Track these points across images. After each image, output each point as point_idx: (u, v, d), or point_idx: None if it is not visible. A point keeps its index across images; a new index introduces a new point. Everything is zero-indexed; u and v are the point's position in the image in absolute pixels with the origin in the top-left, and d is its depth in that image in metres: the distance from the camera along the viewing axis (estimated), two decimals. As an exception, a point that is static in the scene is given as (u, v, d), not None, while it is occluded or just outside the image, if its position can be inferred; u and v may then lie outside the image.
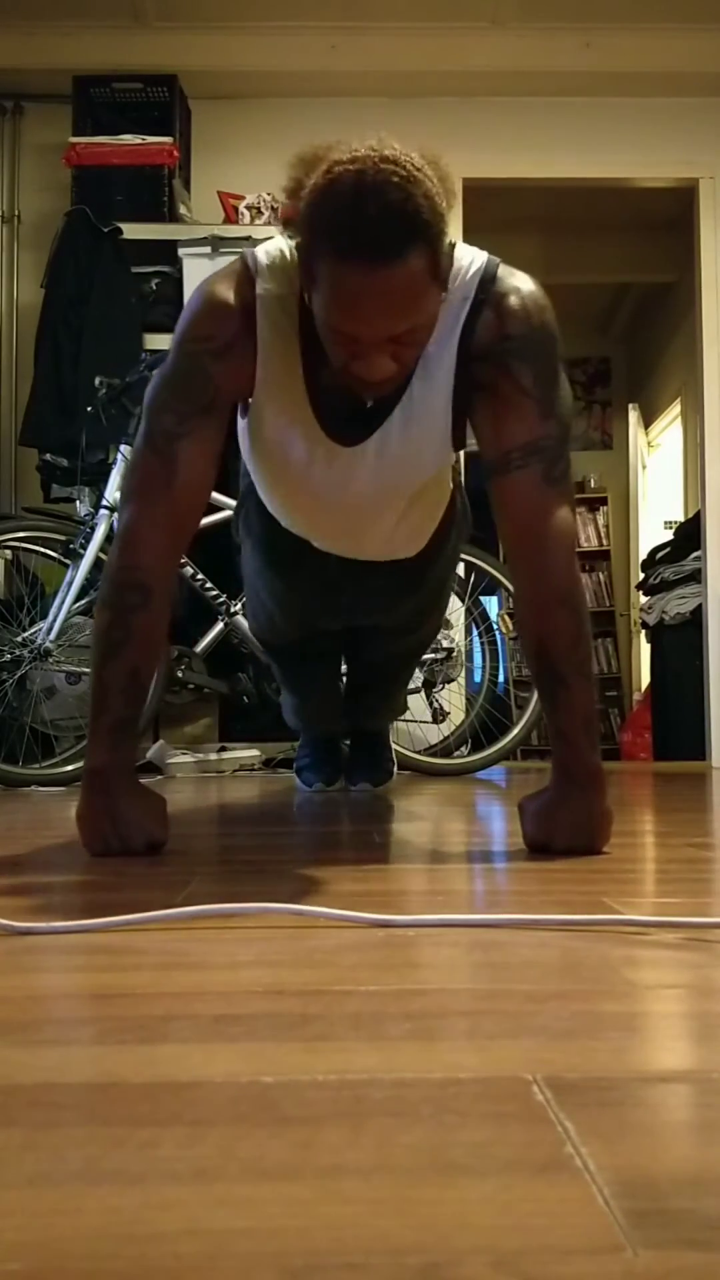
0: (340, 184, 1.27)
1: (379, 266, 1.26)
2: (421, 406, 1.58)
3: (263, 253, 1.54)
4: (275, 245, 1.55)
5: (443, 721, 3.41)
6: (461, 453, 1.82)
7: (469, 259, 1.52)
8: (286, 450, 1.65)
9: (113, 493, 3.16)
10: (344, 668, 2.56)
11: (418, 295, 1.32)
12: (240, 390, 1.57)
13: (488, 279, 1.50)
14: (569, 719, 1.44)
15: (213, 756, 3.53)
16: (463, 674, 3.50)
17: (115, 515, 3.16)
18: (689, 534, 4.95)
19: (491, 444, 1.50)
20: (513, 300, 1.48)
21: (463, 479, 2.28)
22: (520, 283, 1.51)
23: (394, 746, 2.89)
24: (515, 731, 3.34)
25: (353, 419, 1.59)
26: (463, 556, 3.38)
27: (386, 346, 1.35)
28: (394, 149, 1.31)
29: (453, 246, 1.43)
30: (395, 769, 2.82)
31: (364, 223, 1.26)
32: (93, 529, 3.11)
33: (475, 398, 1.53)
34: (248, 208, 4.02)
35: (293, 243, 1.47)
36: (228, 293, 1.51)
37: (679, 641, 4.88)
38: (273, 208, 4.05)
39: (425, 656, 3.30)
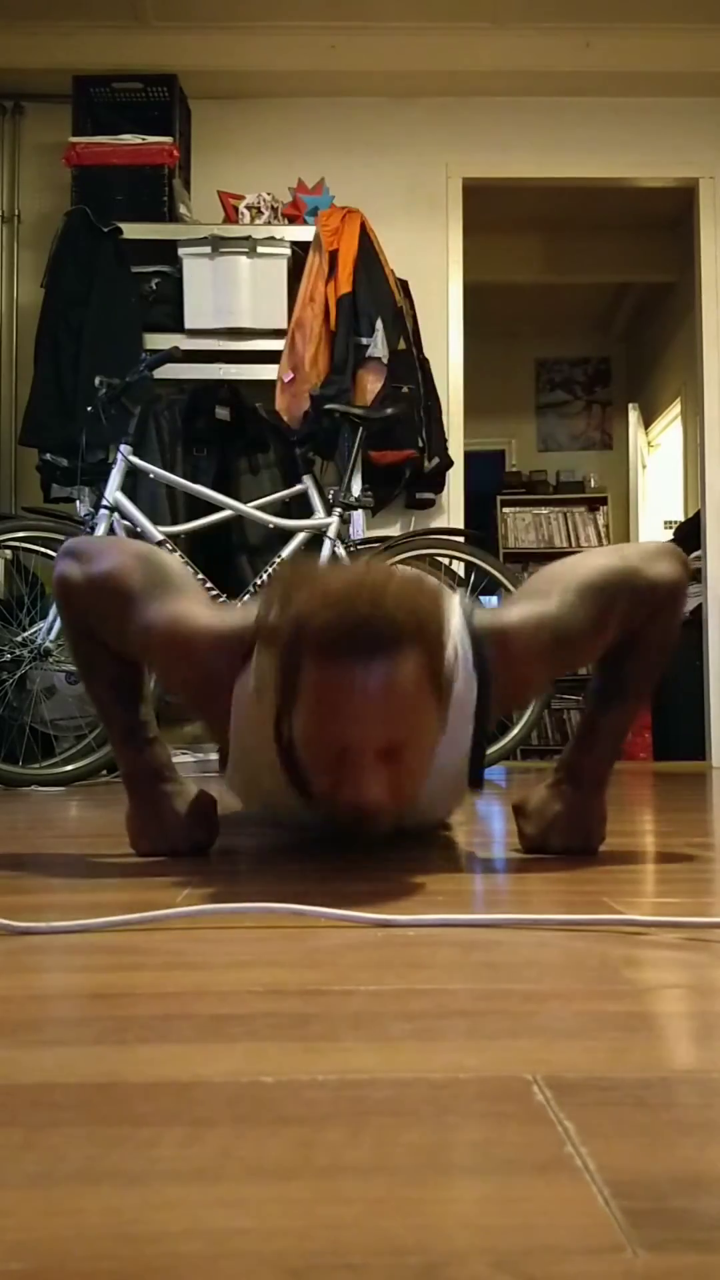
0: (332, 592, 1.20)
1: (373, 660, 1.16)
2: (433, 798, 1.43)
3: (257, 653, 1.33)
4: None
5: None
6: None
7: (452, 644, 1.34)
8: (272, 805, 1.52)
9: (113, 492, 3.16)
10: None
11: (413, 701, 1.19)
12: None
13: (472, 639, 1.37)
14: (607, 725, 1.44)
15: (212, 756, 3.53)
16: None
17: (115, 515, 3.16)
18: (689, 534, 4.95)
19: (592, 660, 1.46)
20: (515, 648, 1.37)
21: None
22: (502, 623, 1.39)
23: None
24: (515, 731, 3.34)
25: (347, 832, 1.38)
26: (462, 556, 3.39)
27: (380, 765, 1.20)
28: (388, 569, 1.26)
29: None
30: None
31: (357, 619, 1.17)
32: (93, 529, 3.11)
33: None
34: (248, 207, 4.03)
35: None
36: (225, 643, 1.35)
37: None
38: (273, 208, 4.05)
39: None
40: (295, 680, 1.21)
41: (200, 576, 3.21)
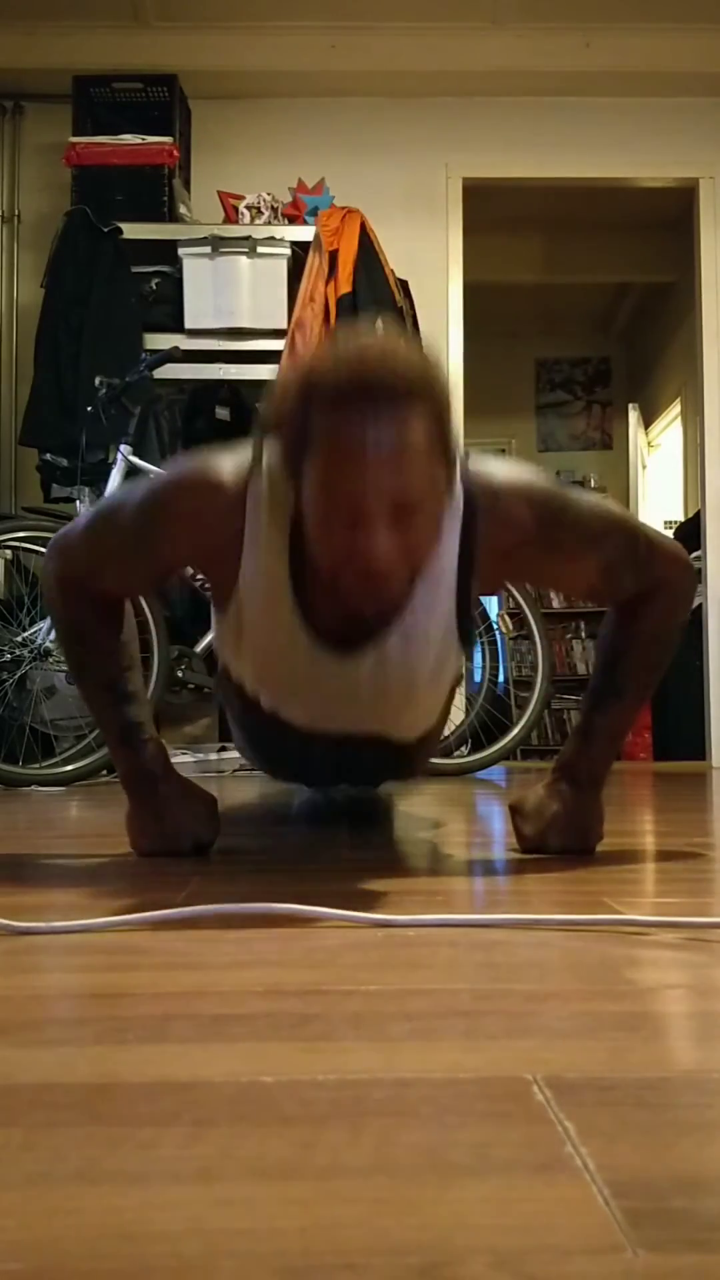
0: (340, 348, 1.21)
1: (383, 411, 1.15)
2: (424, 623, 1.41)
3: (266, 453, 1.36)
4: (266, 461, 1.37)
5: (443, 721, 3.41)
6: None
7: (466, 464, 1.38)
8: (271, 654, 1.48)
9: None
10: None
11: (422, 454, 1.18)
12: (196, 566, 1.47)
13: (468, 483, 1.36)
14: (604, 725, 1.44)
15: (212, 756, 3.53)
16: (462, 675, 3.50)
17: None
18: (689, 534, 4.95)
19: (570, 590, 1.50)
20: (503, 496, 1.36)
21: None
22: (495, 470, 1.39)
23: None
24: (515, 731, 3.34)
25: (347, 628, 1.41)
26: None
27: (389, 525, 1.18)
28: (393, 328, 1.25)
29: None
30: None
31: (366, 373, 1.16)
32: (93, 529, 3.10)
33: (515, 580, 1.49)
34: (248, 208, 4.03)
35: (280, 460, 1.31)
36: (216, 481, 1.35)
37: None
38: (273, 208, 4.05)
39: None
40: (306, 437, 1.19)
41: (200, 577, 3.21)
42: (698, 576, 4.62)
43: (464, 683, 3.57)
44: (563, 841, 1.40)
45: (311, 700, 1.51)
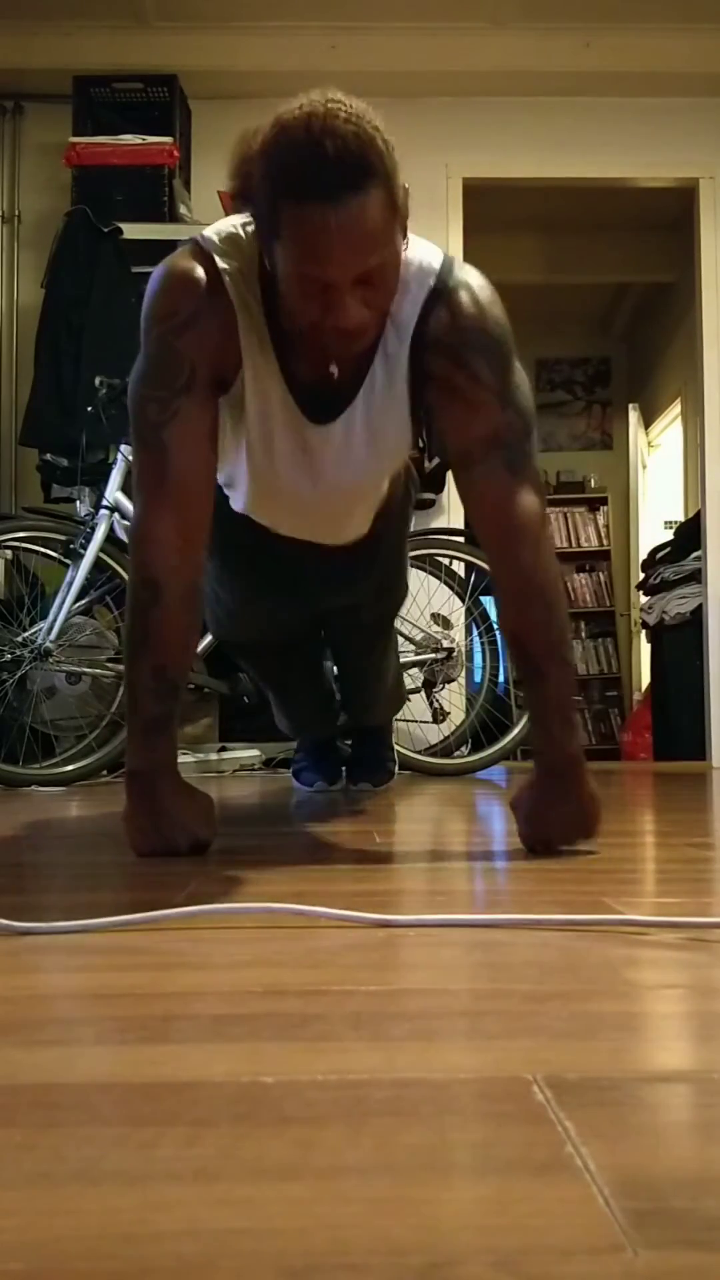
0: (291, 130, 1.31)
1: (342, 202, 1.27)
2: (383, 394, 1.57)
3: (212, 232, 1.53)
4: (224, 225, 1.54)
5: (443, 721, 3.41)
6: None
7: (424, 252, 1.52)
8: (260, 425, 1.61)
9: (113, 493, 3.16)
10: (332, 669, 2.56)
11: (381, 229, 1.32)
12: (217, 363, 1.51)
13: (443, 273, 1.51)
14: (545, 709, 1.46)
15: (213, 756, 3.53)
16: (463, 674, 3.50)
17: (115, 515, 3.16)
18: (689, 534, 4.95)
19: (453, 439, 1.53)
20: (464, 295, 1.50)
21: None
22: (471, 278, 1.52)
23: (394, 746, 2.89)
24: (515, 731, 3.34)
25: (320, 401, 1.58)
26: (462, 556, 3.39)
27: (356, 290, 1.34)
28: (336, 95, 1.36)
29: (406, 228, 1.42)
30: (397, 769, 2.82)
31: (322, 161, 1.27)
32: (93, 529, 3.11)
33: (432, 392, 1.54)
34: (248, 208, 4.02)
35: (242, 220, 1.50)
36: (187, 267, 1.49)
37: (679, 641, 4.88)
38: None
39: (425, 657, 3.30)
40: (275, 221, 1.33)
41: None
42: (696, 576, 4.62)
43: (463, 676, 3.57)
44: (565, 834, 1.43)
45: (288, 476, 1.68)
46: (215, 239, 1.51)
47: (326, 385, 1.51)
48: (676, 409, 6.57)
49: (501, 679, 3.81)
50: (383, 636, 2.48)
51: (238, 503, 1.85)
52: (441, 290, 1.50)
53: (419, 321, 1.50)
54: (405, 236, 1.41)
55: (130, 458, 3.20)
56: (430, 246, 1.55)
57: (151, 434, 1.47)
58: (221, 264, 1.49)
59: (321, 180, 1.28)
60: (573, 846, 1.43)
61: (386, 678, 2.61)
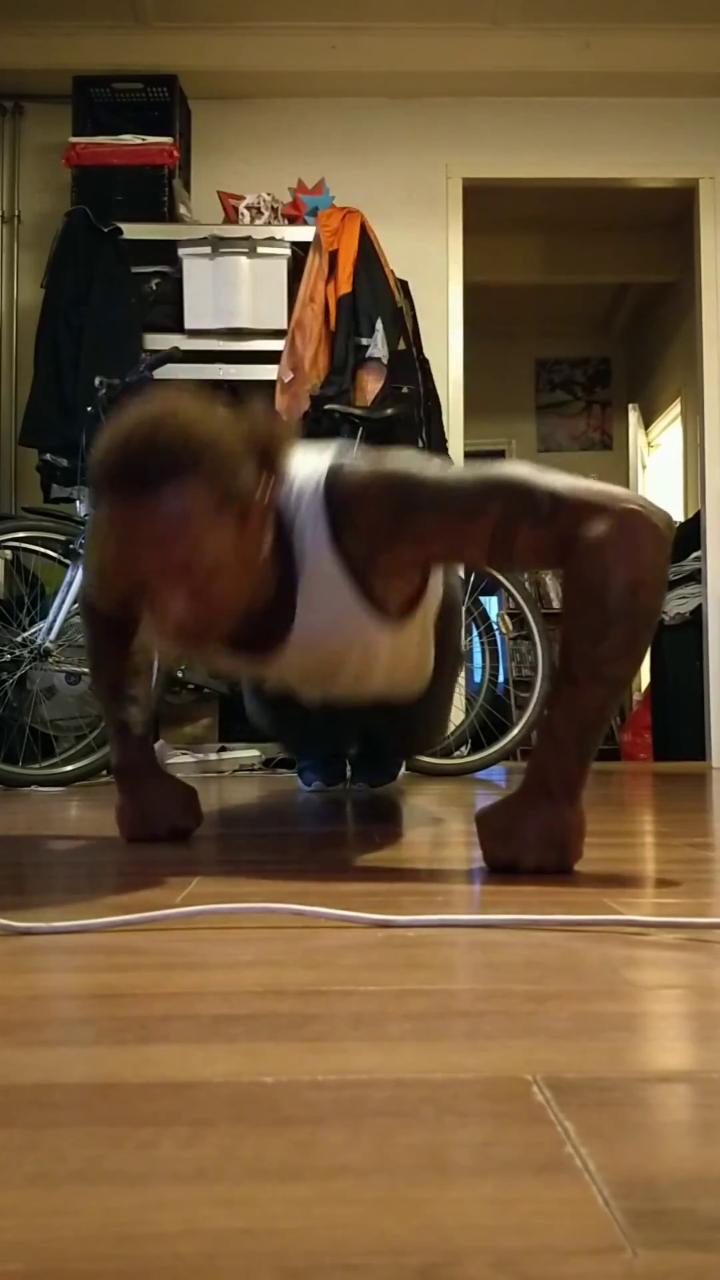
0: (118, 429, 1.28)
1: (136, 497, 1.25)
2: (324, 622, 1.49)
3: None
4: None
5: (443, 721, 3.41)
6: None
7: (306, 480, 1.44)
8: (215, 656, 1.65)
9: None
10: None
11: (186, 526, 1.26)
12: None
13: (331, 499, 1.42)
14: (565, 720, 1.27)
15: (213, 757, 3.53)
16: (463, 674, 3.50)
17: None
18: (689, 534, 4.95)
19: (476, 570, 1.55)
20: (356, 511, 1.41)
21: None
22: (353, 483, 1.42)
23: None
24: (515, 731, 3.34)
25: (255, 637, 1.52)
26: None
27: (178, 589, 1.28)
28: (185, 398, 1.31)
29: (275, 476, 1.36)
30: (401, 769, 2.82)
31: (126, 457, 1.26)
32: (93, 529, 3.10)
33: (405, 574, 1.48)
34: (248, 208, 4.03)
35: None
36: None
37: (679, 641, 4.88)
38: (273, 208, 4.05)
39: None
40: (95, 519, 1.32)
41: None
42: (696, 576, 4.63)
43: (463, 676, 3.57)
44: (538, 860, 1.24)
45: (286, 684, 1.72)
46: None
47: (252, 631, 1.46)
48: (676, 409, 6.57)
49: (501, 679, 3.81)
50: (418, 738, 2.39)
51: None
52: (342, 522, 1.41)
53: (341, 552, 1.43)
54: (244, 519, 1.32)
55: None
56: (313, 470, 1.44)
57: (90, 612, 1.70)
58: None
59: (121, 475, 1.26)
60: (544, 873, 1.24)
61: (402, 758, 2.72)
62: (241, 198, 4.05)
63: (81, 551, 3.06)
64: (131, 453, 1.25)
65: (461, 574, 3.46)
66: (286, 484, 1.41)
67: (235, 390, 3.82)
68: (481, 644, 3.62)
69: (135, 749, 1.67)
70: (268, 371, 3.81)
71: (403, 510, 1.37)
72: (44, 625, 3.08)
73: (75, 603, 3.07)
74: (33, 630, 3.13)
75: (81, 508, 3.56)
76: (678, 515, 6.30)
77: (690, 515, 5.44)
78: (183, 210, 4.04)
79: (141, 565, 1.28)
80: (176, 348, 3.38)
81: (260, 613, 1.43)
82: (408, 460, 1.43)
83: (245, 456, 1.31)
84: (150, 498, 1.25)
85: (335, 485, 1.43)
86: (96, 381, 3.20)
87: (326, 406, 3.50)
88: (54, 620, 3.06)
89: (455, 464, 1.47)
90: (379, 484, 1.41)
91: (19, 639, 3.12)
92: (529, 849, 1.25)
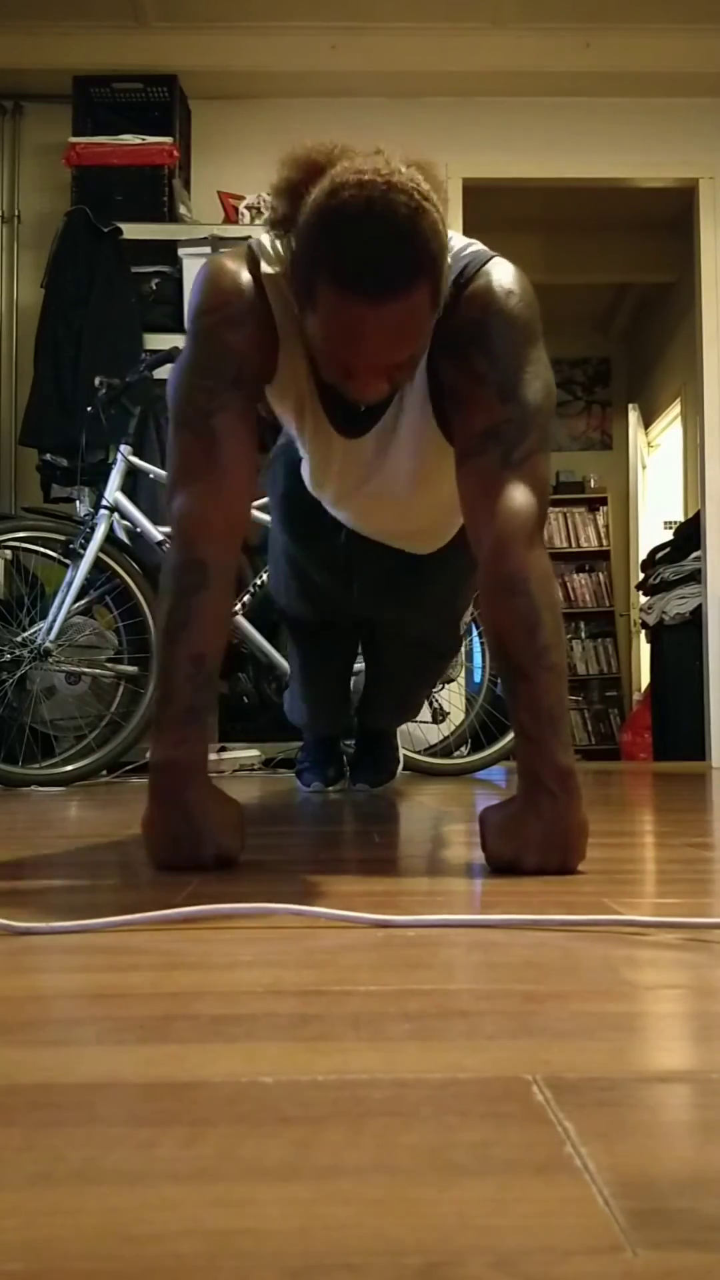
0: (346, 210, 1.23)
1: (383, 301, 1.23)
2: (416, 411, 1.60)
3: (266, 239, 1.50)
4: (271, 238, 1.50)
5: (443, 721, 3.41)
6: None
7: (460, 255, 1.48)
8: (296, 427, 1.70)
9: (113, 493, 3.16)
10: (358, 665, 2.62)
11: (418, 327, 1.30)
12: (261, 361, 1.50)
13: (464, 278, 1.45)
14: (531, 716, 1.27)
15: (213, 757, 3.53)
16: (463, 674, 3.50)
17: (115, 515, 3.16)
18: (689, 534, 4.95)
19: (456, 438, 1.49)
20: (471, 292, 1.44)
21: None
22: (493, 275, 1.45)
23: (398, 746, 2.89)
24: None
25: (352, 412, 1.60)
26: (463, 556, 3.39)
27: (381, 374, 1.34)
28: (400, 172, 1.26)
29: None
30: (400, 767, 2.82)
31: (370, 255, 1.22)
32: (93, 529, 3.10)
33: (446, 397, 1.52)
34: (248, 208, 4.03)
35: (284, 241, 1.46)
36: (234, 267, 1.47)
37: (679, 641, 4.88)
38: (273, 208, 4.05)
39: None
40: (312, 291, 1.28)
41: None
42: (696, 576, 4.62)
43: (463, 676, 3.57)
44: (540, 859, 1.24)
45: (329, 475, 1.77)
46: (265, 244, 1.50)
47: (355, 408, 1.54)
48: (676, 409, 6.57)
49: (501, 679, 3.81)
50: (422, 670, 2.51)
51: (305, 474, 1.90)
52: (457, 296, 1.44)
53: (435, 328, 1.42)
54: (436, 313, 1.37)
55: (129, 458, 3.22)
56: (469, 251, 1.49)
57: (200, 420, 1.42)
58: (266, 269, 1.47)
59: (366, 274, 1.23)
60: (546, 874, 1.24)
61: (408, 701, 2.67)
62: (241, 198, 4.05)
63: (82, 551, 3.06)
64: (378, 251, 1.23)
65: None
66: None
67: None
68: (481, 644, 3.62)
69: (192, 741, 1.33)
70: (268, 371, 3.81)
71: (490, 330, 1.42)
72: (44, 625, 3.08)
73: (76, 602, 3.07)
74: (33, 630, 3.13)
75: (81, 508, 3.56)
76: (677, 515, 6.30)
77: (690, 515, 5.44)
78: (183, 210, 4.04)
79: (365, 353, 1.29)
80: (176, 347, 3.37)
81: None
82: (517, 299, 1.46)
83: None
84: (399, 295, 1.24)
85: (472, 268, 1.46)
86: (96, 381, 3.20)
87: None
88: (54, 620, 3.06)
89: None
90: (503, 290, 1.45)
91: (19, 639, 3.12)
92: (532, 849, 1.24)
